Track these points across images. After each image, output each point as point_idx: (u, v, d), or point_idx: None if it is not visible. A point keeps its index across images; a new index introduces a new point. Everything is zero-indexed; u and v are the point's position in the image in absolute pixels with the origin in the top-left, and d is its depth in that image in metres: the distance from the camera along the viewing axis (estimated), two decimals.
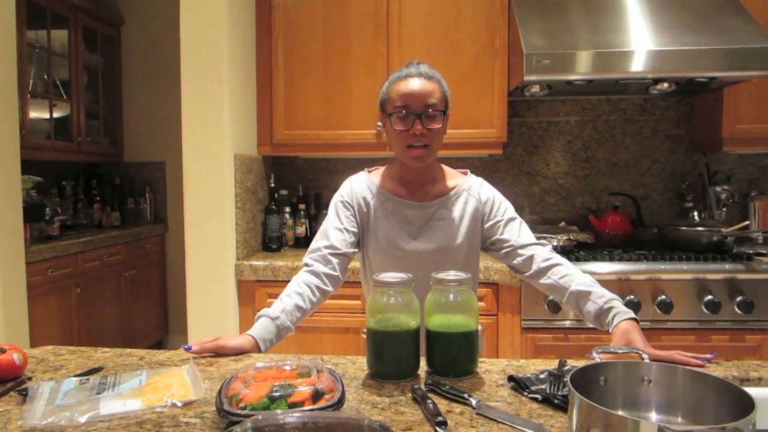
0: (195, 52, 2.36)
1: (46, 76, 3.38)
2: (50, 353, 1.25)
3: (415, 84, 1.38)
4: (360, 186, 1.51)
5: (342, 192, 1.52)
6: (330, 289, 1.43)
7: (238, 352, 1.25)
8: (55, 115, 3.44)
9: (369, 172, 1.56)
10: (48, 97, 3.38)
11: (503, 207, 1.51)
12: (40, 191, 3.25)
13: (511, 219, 1.50)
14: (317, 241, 1.47)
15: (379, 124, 1.54)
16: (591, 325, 1.37)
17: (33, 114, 3.26)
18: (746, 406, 0.73)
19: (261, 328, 1.31)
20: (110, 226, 3.81)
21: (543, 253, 1.45)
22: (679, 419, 0.86)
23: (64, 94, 3.53)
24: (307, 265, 1.44)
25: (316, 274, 1.41)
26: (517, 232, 1.48)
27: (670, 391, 0.87)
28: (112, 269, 3.51)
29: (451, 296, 1.10)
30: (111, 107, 4.03)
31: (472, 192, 1.50)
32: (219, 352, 1.24)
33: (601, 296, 1.33)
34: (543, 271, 1.42)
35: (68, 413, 0.91)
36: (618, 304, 1.31)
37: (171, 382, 1.02)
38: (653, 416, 0.88)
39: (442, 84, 1.43)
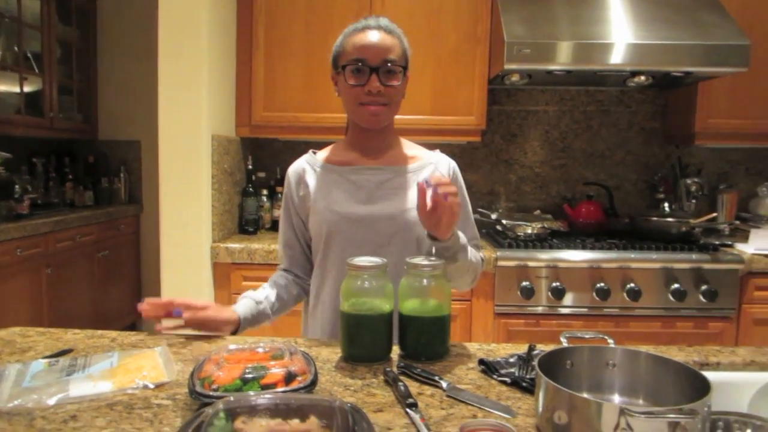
0: (173, 29, 2.32)
1: (16, 48, 3.28)
2: (18, 335, 1.23)
3: (373, 36, 1.26)
4: (297, 172, 1.39)
5: (284, 194, 1.42)
6: (303, 293, 1.45)
7: (218, 330, 1.24)
8: (26, 89, 3.34)
9: (314, 152, 1.43)
10: (18, 70, 3.28)
11: (463, 202, 1.38)
12: (9, 168, 3.16)
13: (465, 215, 1.38)
14: (280, 249, 1.46)
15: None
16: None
17: (2, 87, 3.16)
18: (703, 389, 0.76)
19: (244, 308, 1.30)
20: (83, 205, 3.74)
21: None
22: (641, 401, 0.89)
23: (36, 68, 3.43)
24: (281, 268, 1.46)
25: (295, 275, 1.43)
26: (463, 224, 1.35)
27: (632, 375, 0.90)
28: (84, 250, 3.45)
29: (425, 281, 1.11)
30: (85, 83, 3.93)
31: (441, 168, 1.38)
32: (202, 327, 1.23)
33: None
34: None
35: (36, 395, 0.90)
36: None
37: (143, 364, 1.02)
38: (616, 398, 0.91)
39: (403, 40, 1.30)
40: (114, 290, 3.80)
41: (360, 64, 1.25)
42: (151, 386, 0.96)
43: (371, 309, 1.09)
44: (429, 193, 1.09)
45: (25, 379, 0.95)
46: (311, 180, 1.36)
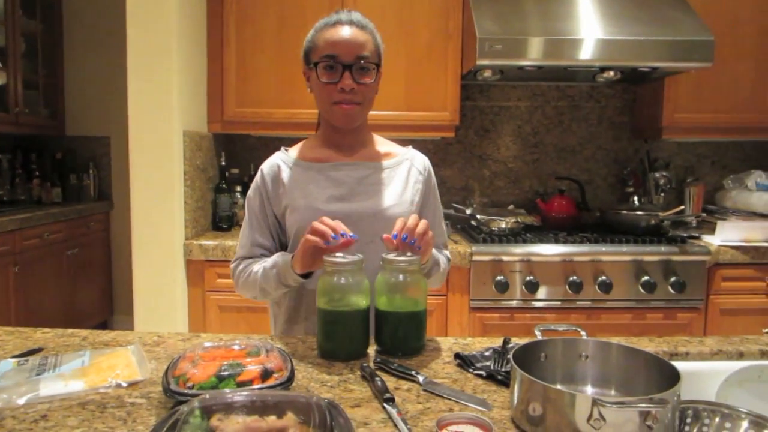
0: (142, 21, 2.27)
1: None
2: None
3: (345, 32, 1.22)
4: (272, 169, 1.33)
5: (252, 190, 1.35)
6: None
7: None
8: None
9: (286, 150, 1.39)
10: None
11: (434, 202, 1.40)
12: None
13: (435, 219, 1.38)
14: (243, 249, 1.34)
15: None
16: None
17: None
18: (673, 378, 0.78)
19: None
20: (51, 202, 3.65)
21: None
22: (613, 392, 0.91)
23: (0, 62, 3.33)
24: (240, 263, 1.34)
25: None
26: (433, 226, 1.32)
27: (605, 366, 0.93)
28: (53, 247, 3.37)
29: (401, 277, 1.11)
30: (51, 77, 3.83)
31: (416, 164, 1.37)
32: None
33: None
34: None
35: (5, 395, 0.88)
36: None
37: (116, 363, 1.01)
38: (589, 389, 0.93)
39: (375, 36, 1.28)
40: (84, 289, 3.72)
41: (332, 60, 1.22)
42: (124, 385, 0.94)
43: (348, 305, 1.09)
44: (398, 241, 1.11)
45: None
46: (287, 178, 1.32)
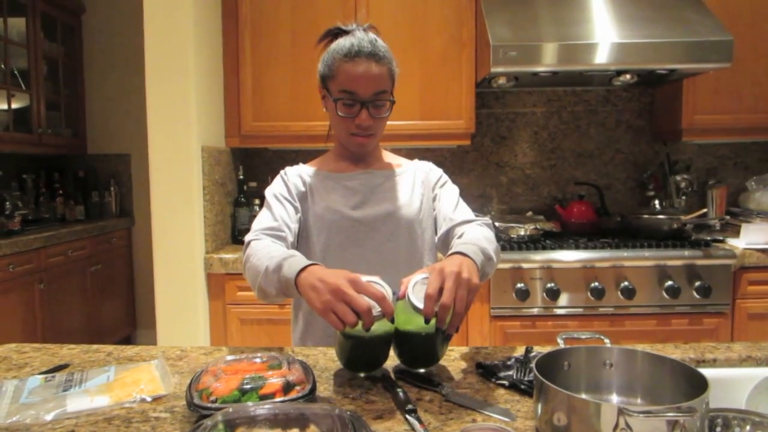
0: (159, 41, 2.32)
1: (3, 66, 3.27)
2: (13, 351, 1.22)
3: (363, 69, 1.25)
4: (295, 173, 1.40)
5: (277, 183, 1.38)
6: None
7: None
8: (14, 106, 3.33)
9: (302, 165, 1.46)
10: (6, 88, 3.27)
11: (447, 186, 1.43)
12: (0, 185, 3.15)
13: (449, 197, 1.39)
14: (266, 221, 1.28)
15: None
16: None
17: None
18: (701, 386, 0.77)
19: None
20: (74, 220, 3.72)
21: (465, 228, 1.29)
22: (639, 400, 0.90)
23: (23, 85, 3.42)
24: (255, 239, 1.24)
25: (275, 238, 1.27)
26: (447, 210, 1.36)
27: (630, 374, 0.91)
28: (76, 264, 3.43)
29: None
30: (73, 98, 3.91)
31: (421, 169, 1.45)
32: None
33: (464, 242, 1.16)
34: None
35: (34, 411, 0.89)
36: (465, 247, 1.11)
37: (140, 378, 1.02)
38: (614, 398, 0.91)
39: (391, 64, 1.31)
40: (108, 304, 3.78)
41: (350, 97, 1.27)
42: (149, 399, 0.95)
43: (368, 333, 1.05)
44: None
45: (22, 395, 0.94)
46: (308, 187, 1.39)
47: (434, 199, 1.43)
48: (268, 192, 1.37)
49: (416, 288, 1.02)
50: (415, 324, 1.07)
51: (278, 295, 1.12)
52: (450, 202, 1.39)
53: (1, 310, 2.76)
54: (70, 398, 0.94)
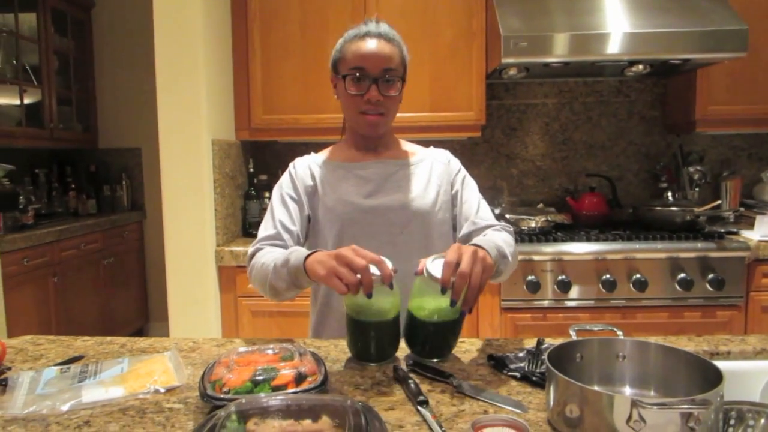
0: (169, 35, 2.32)
1: (14, 61, 3.29)
2: (29, 343, 1.23)
3: (373, 45, 1.27)
4: (304, 166, 1.39)
5: (284, 180, 1.38)
6: None
7: None
8: (26, 101, 3.35)
9: (314, 153, 1.44)
10: (17, 83, 3.29)
11: (467, 182, 1.41)
12: (13, 180, 3.18)
13: (471, 196, 1.39)
14: (266, 230, 1.31)
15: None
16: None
17: (2, 100, 3.18)
18: (715, 378, 0.76)
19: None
20: (86, 213, 3.75)
21: (488, 231, 1.30)
22: (652, 393, 0.89)
23: (35, 80, 3.44)
24: (258, 249, 1.29)
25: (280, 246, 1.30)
26: (469, 212, 1.36)
27: (643, 366, 0.90)
28: (89, 257, 3.46)
29: (439, 288, 1.08)
30: (84, 93, 3.94)
31: (438, 158, 1.42)
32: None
33: (482, 239, 1.19)
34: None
35: (50, 402, 0.90)
36: (481, 240, 1.15)
37: (153, 369, 1.02)
38: (627, 390, 0.91)
39: (402, 48, 1.32)
40: (121, 297, 3.81)
41: (360, 73, 1.27)
42: (162, 390, 0.96)
43: (376, 315, 1.06)
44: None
45: (38, 386, 0.96)
46: (318, 175, 1.37)
47: (454, 195, 1.40)
48: (275, 191, 1.39)
49: (434, 263, 1.05)
50: (427, 310, 1.08)
51: (289, 289, 1.17)
52: (472, 203, 1.38)
53: (16, 303, 2.79)
54: (85, 389, 0.95)
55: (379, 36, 1.29)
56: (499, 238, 1.22)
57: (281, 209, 1.34)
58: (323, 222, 1.34)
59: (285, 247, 1.28)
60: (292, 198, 1.36)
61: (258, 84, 2.61)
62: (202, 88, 2.34)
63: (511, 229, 1.37)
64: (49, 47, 3.51)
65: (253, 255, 1.28)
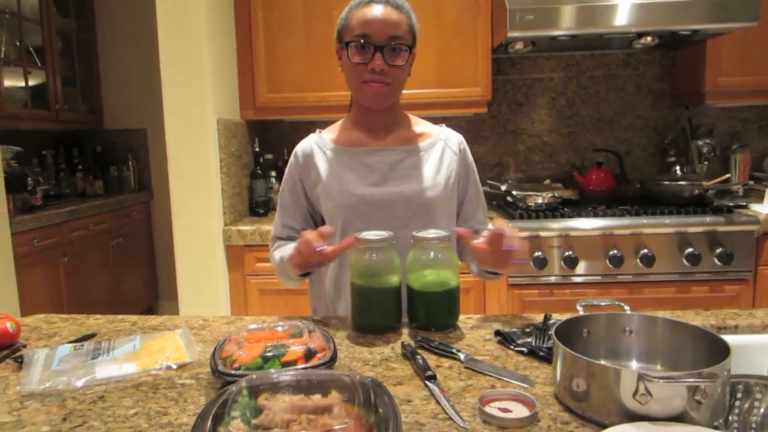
0: (172, 14, 2.30)
1: (18, 43, 3.28)
2: (43, 321, 1.25)
3: (378, 11, 1.20)
4: (306, 153, 1.35)
5: (287, 173, 1.38)
6: None
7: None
8: (31, 83, 3.35)
9: (320, 131, 1.39)
10: (22, 65, 3.29)
11: (473, 177, 1.39)
12: (21, 161, 3.19)
13: (474, 196, 1.38)
14: (276, 231, 1.40)
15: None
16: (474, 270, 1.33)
17: (8, 82, 3.17)
18: (722, 352, 0.76)
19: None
20: (94, 194, 3.77)
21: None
22: (659, 367, 0.90)
23: (39, 61, 3.43)
24: (272, 243, 1.41)
25: None
26: (470, 215, 1.37)
27: (650, 341, 0.91)
28: (98, 238, 3.49)
29: (432, 254, 1.12)
30: (88, 73, 3.93)
31: (450, 144, 1.36)
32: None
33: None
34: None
35: (65, 378, 0.92)
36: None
37: (165, 346, 1.04)
38: (634, 365, 0.91)
39: (410, 16, 1.25)
40: (130, 276, 3.85)
41: (363, 40, 1.20)
42: (174, 367, 0.98)
43: (379, 281, 1.11)
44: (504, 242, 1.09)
45: (53, 363, 0.98)
46: (321, 163, 1.33)
47: (463, 187, 1.37)
48: (282, 186, 1.41)
49: None
50: (423, 281, 1.11)
51: (291, 280, 1.33)
52: (474, 205, 1.39)
53: (28, 283, 2.83)
54: (99, 366, 0.97)
55: (386, 2, 1.22)
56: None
57: (284, 212, 1.40)
58: (329, 212, 1.32)
59: (293, 240, 1.34)
60: (292, 198, 1.38)
61: (262, 62, 2.59)
62: (206, 68, 2.32)
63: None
64: (52, 28, 3.49)
65: (271, 253, 1.40)
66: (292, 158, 1.38)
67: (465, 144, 1.40)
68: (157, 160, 4.05)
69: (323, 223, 1.37)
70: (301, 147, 1.38)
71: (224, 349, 0.93)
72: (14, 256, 2.67)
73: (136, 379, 0.94)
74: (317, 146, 1.36)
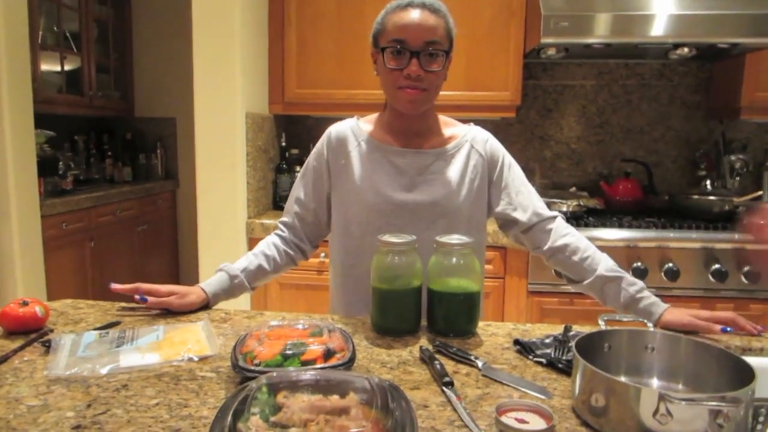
0: (206, 7, 2.33)
1: (55, 28, 3.35)
2: (69, 306, 1.29)
3: (415, 16, 1.18)
4: (340, 137, 1.34)
5: (316, 149, 1.38)
6: (299, 256, 1.42)
7: (188, 310, 1.25)
8: (66, 68, 3.42)
9: (359, 118, 1.39)
10: (58, 50, 3.36)
11: (513, 170, 1.37)
12: (53, 146, 3.27)
13: (522, 186, 1.36)
14: (288, 203, 1.42)
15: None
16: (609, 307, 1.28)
17: (44, 67, 3.24)
18: (746, 375, 0.75)
19: (217, 283, 1.30)
20: (122, 181, 3.84)
21: (558, 228, 1.32)
22: (680, 386, 0.89)
23: (74, 47, 3.50)
24: (281, 229, 1.42)
25: (286, 241, 1.40)
26: (530, 201, 1.34)
27: (672, 360, 0.90)
28: (124, 224, 3.56)
29: (454, 259, 1.12)
30: (121, 61, 4.00)
31: (476, 145, 1.34)
32: (168, 308, 1.24)
33: (632, 284, 1.23)
34: (560, 249, 1.30)
35: (90, 365, 0.94)
36: (648, 293, 1.22)
37: (187, 338, 1.06)
38: (655, 383, 0.90)
39: (447, 19, 1.24)
40: (153, 263, 3.92)
41: (400, 46, 1.19)
42: (196, 359, 0.99)
43: (400, 284, 1.11)
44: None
45: (79, 349, 1.00)
46: (354, 153, 1.33)
47: (503, 186, 1.35)
48: (308, 160, 1.41)
49: None
50: (444, 285, 1.11)
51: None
52: (526, 193, 1.36)
53: (55, 266, 2.89)
54: (123, 354, 0.99)
55: (423, 6, 1.20)
56: (624, 272, 1.27)
57: (301, 186, 1.40)
58: (350, 204, 1.32)
59: (302, 219, 1.40)
60: (316, 173, 1.37)
61: (293, 58, 2.61)
62: (237, 61, 2.35)
63: (563, 216, 1.40)
64: (89, 15, 3.56)
65: (279, 225, 1.45)
66: (324, 137, 1.37)
67: (492, 141, 1.38)
68: (184, 150, 4.11)
69: (330, 213, 1.39)
70: (336, 129, 1.37)
71: (245, 345, 0.94)
72: (43, 239, 2.74)
73: (158, 369, 0.96)
74: (353, 133, 1.35)
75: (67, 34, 3.46)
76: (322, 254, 2.37)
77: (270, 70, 2.66)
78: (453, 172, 1.31)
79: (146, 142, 4.14)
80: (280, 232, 1.43)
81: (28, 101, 2.63)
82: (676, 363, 0.89)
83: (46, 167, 2.99)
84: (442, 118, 1.40)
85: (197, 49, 2.36)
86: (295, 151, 2.86)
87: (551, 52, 2.48)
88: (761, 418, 0.82)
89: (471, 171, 1.33)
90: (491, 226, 2.21)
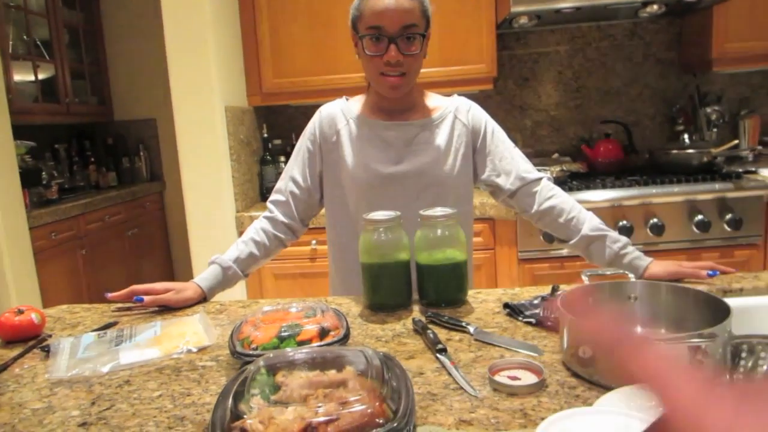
0: (176, 3, 2.31)
1: (25, 37, 3.30)
2: (65, 312, 1.30)
3: (390, 1, 1.20)
4: (330, 117, 1.38)
5: (308, 129, 1.41)
6: (290, 237, 1.44)
7: (186, 305, 1.27)
8: (40, 76, 3.38)
9: (347, 98, 1.43)
10: (30, 59, 3.32)
11: (497, 137, 1.38)
12: (34, 156, 3.24)
13: (506, 151, 1.37)
14: (281, 182, 1.43)
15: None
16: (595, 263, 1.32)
17: (17, 77, 3.20)
18: (724, 314, 0.78)
19: (211, 277, 1.32)
20: (107, 186, 3.82)
21: (543, 190, 1.34)
22: (663, 331, 0.92)
23: (47, 55, 3.46)
24: (269, 210, 1.43)
25: (274, 222, 1.41)
26: (513, 166, 1.35)
27: (654, 307, 0.93)
28: (114, 229, 3.55)
29: (439, 231, 1.14)
30: (96, 66, 3.95)
31: (459, 115, 1.37)
32: (167, 305, 1.26)
33: (616, 240, 1.27)
34: (547, 212, 1.33)
35: (91, 365, 0.96)
36: (632, 248, 1.26)
37: (184, 331, 1.08)
38: (638, 330, 0.93)
39: (423, 0, 1.26)
40: (147, 265, 3.92)
41: (377, 32, 1.22)
42: (195, 350, 1.01)
43: (388, 259, 1.14)
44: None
45: (78, 351, 1.02)
46: (344, 131, 1.36)
47: (487, 153, 1.37)
48: (300, 140, 1.42)
49: None
50: (431, 257, 1.13)
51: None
52: (510, 158, 1.36)
53: (48, 276, 2.89)
54: (122, 352, 1.01)
55: None
56: (608, 229, 1.30)
57: (294, 165, 1.42)
58: (345, 181, 1.36)
59: (296, 197, 1.41)
60: (309, 152, 1.39)
61: (267, 48, 2.60)
62: (211, 56, 2.34)
63: (550, 176, 1.42)
64: (58, 21, 3.51)
65: (268, 206, 1.45)
66: (315, 117, 1.41)
67: (475, 110, 1.40)
68: (167, 150, 4.09)
69: (322, 192, 1.42)
70: (327, 111, 1.40)
71: (241, 331, 0.96)
72: (33, 250, 2.73)
73: (158, 363, 0.98)
74: (342, 112, 1.39)
75: (38, 42, 3.42)
76: (314, 241, 2.39)
77: (245, 62, 2.65)
78: (438, 141, 1.34)
79: (128, 145, 4.11)
80: (268, 214, 1.43)
81: (5, 112, 2.60)
82: (657, 310, 0.93)
83: (29, 178, 2.97)
84: (428, 92, 1.43)
85: (170, 47, 2.34)
86: (277, 142, 2.86)
87: (523, 20, 2.49)
88: (743, 354, 0.86)
89: (456, 140, 1.36)
90: (477, 198, 2.24)
